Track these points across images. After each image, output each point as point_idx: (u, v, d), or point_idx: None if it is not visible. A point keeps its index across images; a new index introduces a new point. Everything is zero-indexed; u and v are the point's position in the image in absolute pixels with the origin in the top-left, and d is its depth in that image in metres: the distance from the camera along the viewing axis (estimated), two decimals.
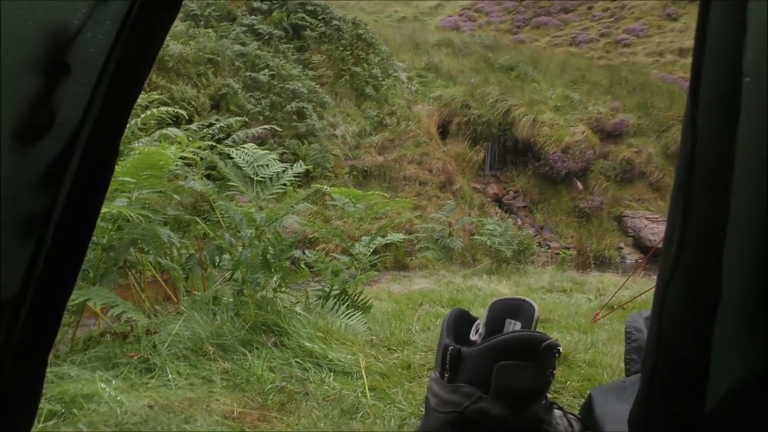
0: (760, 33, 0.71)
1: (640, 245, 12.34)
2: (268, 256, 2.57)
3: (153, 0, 0.71)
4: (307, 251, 3.23)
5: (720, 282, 0.83)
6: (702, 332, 0.83)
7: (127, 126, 2.94)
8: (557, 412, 1.33)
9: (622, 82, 16.39)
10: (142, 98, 3.15)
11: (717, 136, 0.78)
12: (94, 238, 2.39)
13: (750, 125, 0.75)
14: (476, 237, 8.93)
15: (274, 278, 2.67)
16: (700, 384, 0.87)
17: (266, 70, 10.70)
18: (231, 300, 2.70)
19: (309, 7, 12.91)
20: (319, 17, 12.91)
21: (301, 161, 3.15)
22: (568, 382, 2.10)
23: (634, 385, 1.49)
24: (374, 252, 3.54)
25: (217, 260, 3.16)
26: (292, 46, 12.21)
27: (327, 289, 3.10)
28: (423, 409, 1.47)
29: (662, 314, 0.88)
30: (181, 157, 2.76)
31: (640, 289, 4.73)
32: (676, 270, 0.85)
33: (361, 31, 13.49)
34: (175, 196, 3.08)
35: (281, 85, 10.67)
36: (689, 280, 0.85)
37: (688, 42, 20.34)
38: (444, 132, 13.80)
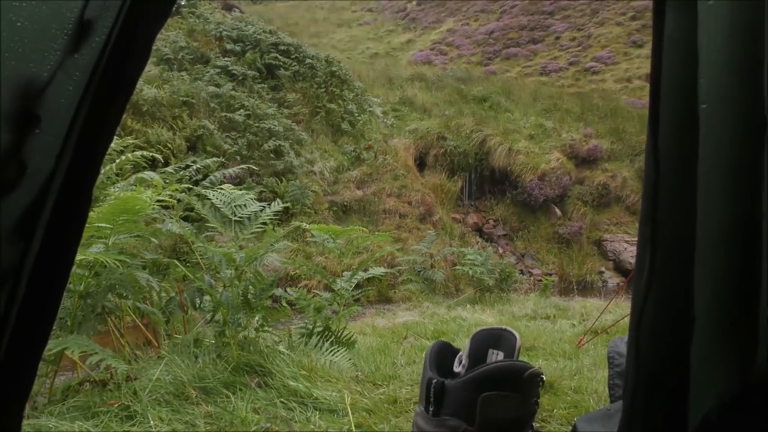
0: (712, 62, 0.74)
1: (620, 268, 12.44)
2: (249, 295, 2.55)
3: (122, 51, 0.73)
4: (288, 289, 3.21)
5: (693, 304, 0.84)
6: (679, 355, 0.84)
7: (102, 172, 2.92)
8: None
9: (593, 108, 16.71)
10: (116, 143, 3.14)
11: (679, 163, 0.80)
12: (70, 286, 2.36)
13: (709, 150, 0.77)
14: (458, 267, 8.94)
15: (256, 318, 2.65)
16: (681, 407, 0.88)
17: (242, 110, 10.75)
18: (213, 342, 2.67)
19: (282, 47, 13.05)
20: (293, 56, 13.05)
21: (279, 200, 3.15)
22: (555, 410, 2.09)
23: (619, 412, 1.49)
24: (357, 286, 3.53)
25: (198, 302, 3.12)
26: (266, 85, 12.29)
27: (310, 327, 3.08)
28: None
29: (639, 339, 0.89)
30: (158, 201, 2.74)
31: (623, 312, 4.76)
32: (649, 294, 0.87)
33: (334, 68, 13.65)
34: (153, 239, 3.06)
35: (257, 124, 10.71)
36: (662, 303, 0.87)
37: None
38: (421, 164, 13.90)
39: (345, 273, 3.45)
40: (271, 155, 10.56)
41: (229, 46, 12.59)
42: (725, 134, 0.79)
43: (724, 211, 0.81)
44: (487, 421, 1.14)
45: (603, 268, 12.55)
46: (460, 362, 1.28)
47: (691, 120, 0.77)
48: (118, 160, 2.97)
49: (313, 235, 3.52)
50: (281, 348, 2.64)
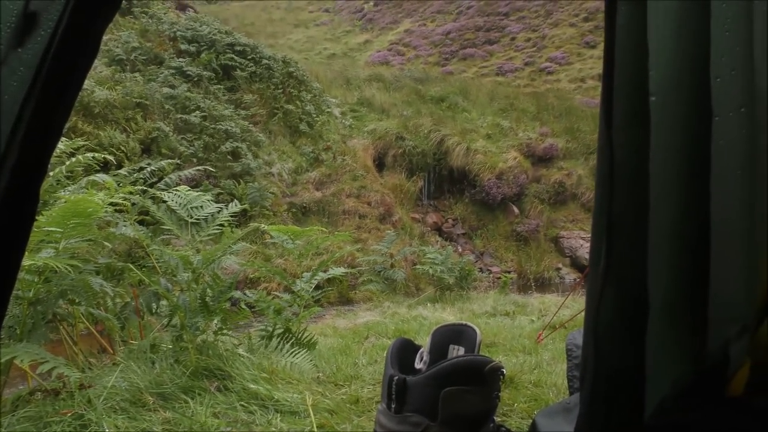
0: (660, 55, 0.76)
1: (577, 264, 12.68)
2: (207, 298, 2.51)
3: (70, 45, 0.70)
4: (247, 291, 3.17)
5: (648, 295, 0.86)
6: (636, 345, 0.86)
7: (51, 174, 2.84)
8: None
9: (548, 108, 17.00)
10: (66, 145, 3.05)
11: (632, 154, 0.82)
12: (18, 292, 2.28)
13: (659, 141, 0.79)
14: (418, 266, 8.98)
15: (215, 321, 2.61)
16: (639, 394, 0.90)
17: (197, 112, 10.57)
18: (170, 347, 2.61)
19: (238, 48, 12.89)
20: (249, 57, 12.90)
21: (236, 201, 3.11)
22: (516, 404, 2.12)
23: (578, 404, 1.51)
24: (317, 287, 3.51)
25: (155, 307, 3.05)
26: (222, 86, 12.12)
27: (270, 329, 3.04)
28: None
29: (597, 331, 0.91)
30: (111, 203, 2.67)
31: (580, 307, 4.84)
32: (605, 286, 0.88)
33: (291, 69, 13.55)
34: (106, 243, 2.97)
35: (213, 126, 10.56)
36: (619, 295, 0.88)
37: None
38: (380, 164, 13.92)
39: (305, 274, 3.42)
40: (228, 157, 10.42)
41: (183, 47, 12.37)
42: (675, 126, 0.81)
43: (676, 201, 0.83)
44: (450, 416, 1.14)
45: (560, 265, 12.78)
46: (422, 359, 1.28)
47: (644, 112, 0.79)
48: (68, 162, 2.88)
49: (272, 237, 3.48)
50: (241, 351, 2.61)
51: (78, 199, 2.23)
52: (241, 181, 10.17)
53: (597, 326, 0.94)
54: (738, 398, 1.11)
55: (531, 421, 1.62)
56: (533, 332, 4.05)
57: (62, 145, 2.99)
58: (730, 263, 0.86)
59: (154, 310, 3.05)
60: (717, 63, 0.83)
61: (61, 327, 2.81)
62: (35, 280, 2.33)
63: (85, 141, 4.11)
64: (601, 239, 0.90)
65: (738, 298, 0.91)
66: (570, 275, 12.38)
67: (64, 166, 2.84)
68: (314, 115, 13.19)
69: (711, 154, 0.82)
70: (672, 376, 0.93)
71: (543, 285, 11.59)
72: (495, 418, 1.32)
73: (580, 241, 13.08)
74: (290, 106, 12.76)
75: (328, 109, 14.16)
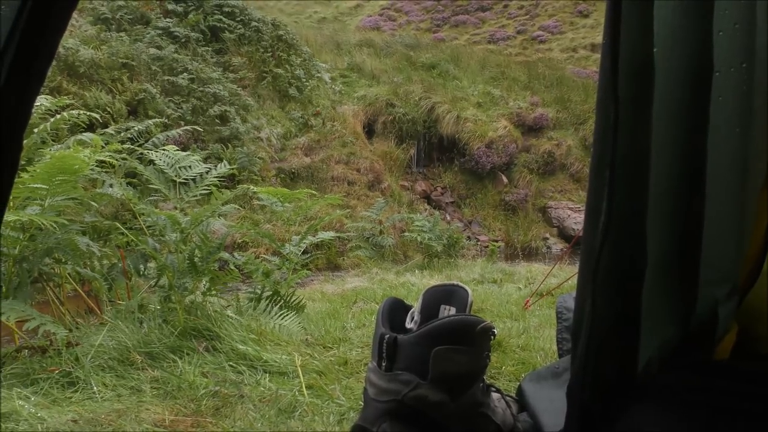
0: (665, 7, 0.75)
1: (564, 234, 12.76)
2: (196, 259, 2.50)
3: None
4: (236, 253, 3.16)
5: (645, 251, 0.85)
6: (631, 300, 0.86)
7: (36, 131, 2.78)
8: (495, 395, 1.35)
9: (539, 77, 16.90)
10: (51, 103, 2.98)
11: (635, 107, 0.80)
12: (4, 249, 2.25)
13: (661, 94, 0.78)
14: (407, 234, 8.99)
15: (203, 282, 2.60)
16: (632, 352, 0.90)
17: (185, 74, 10.41)
18: (158, 307, 2.60)
19: (226, 9, 12.65)
20: (238, 19, 12.67)
21: (225, 162, 3.07)
22: (504, 367, 2.13)
23: (567, 369, 1.52)
24: (305, 252, 3.50)
25: (142, 268, 3.03)
26: (210, 48, 11.92)
27: (258, 291, 3.04)
28: (362, 402, 1.46)
29: (594, 286, 0.90)
30: (98, 162, 2.63)
31: (566, 275, 4.88)
32: (606, 241, 0.87)
33: (281, 32, 13.33)
34: (92, 203, 2.93)
35: (201, 88, 10.41)
36: (618, 250, 0.88)
37: (599, 38, 21.13)
38: (370, 131, 13.83)
39: (294, 237, 3.41)
40: (217, 121, 10.30)
41: (170, 7, 12.11)
42: (676, 79, 0.80)
43: (674, 155, 0.81)
44: (440, 375, 1.15)
45: (547, 235, 12.86)
46: (413, 318, 1.28)
47: (647, 63, 0.77)
48: (52, 120, 2.82)
49: (260, 199, 3.45)
50: (229, 312, 2.60)
51: (63, 155, 2.19)
52: (229, 145, 10.07)
53: (595, 283, 0.93)
54: (724, 362, 1.11)
55: (518, 383, 1.63)
56: (520, 299, 4.07)
57: (47, 102, 2.93)
58: (724, 224, 0.86)
59: (141, 272, 3.03)
60: (720, 15, 0.81)
61: (48, 287, 2.79)
62: (20, 237, 2.30)
63: (70, 101, 4.01)
64: (601, 195, 0.89)
65: (728, 260, 0.91)
66: (557, 245, 12.46)
67: (48, 123, 2.78)
68: (304, 80, 13.04)
69: (710, 111, 0.81)
70: (661, 338, 0.93)
71: (530, 254, 11.67)
72: (484, 378, 1.32)
73: (568, 211, 13.14)
74: (279, 70, 12.59)
75: (318, 74, 13.99)
